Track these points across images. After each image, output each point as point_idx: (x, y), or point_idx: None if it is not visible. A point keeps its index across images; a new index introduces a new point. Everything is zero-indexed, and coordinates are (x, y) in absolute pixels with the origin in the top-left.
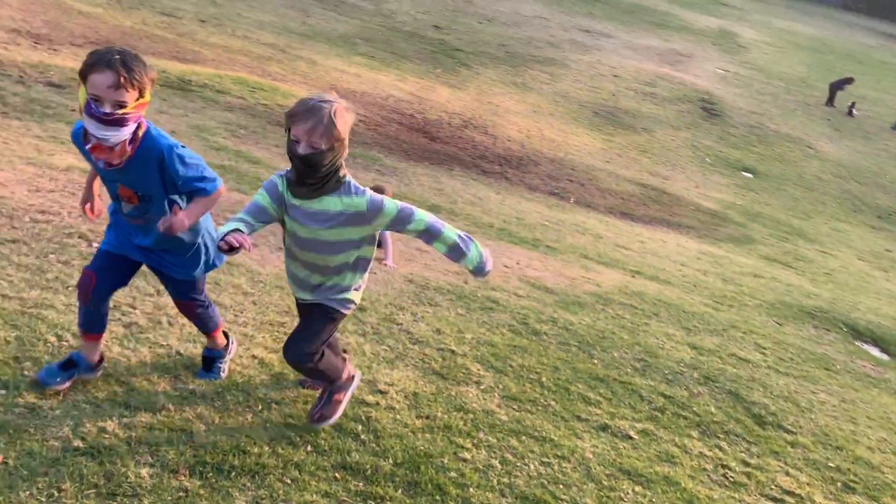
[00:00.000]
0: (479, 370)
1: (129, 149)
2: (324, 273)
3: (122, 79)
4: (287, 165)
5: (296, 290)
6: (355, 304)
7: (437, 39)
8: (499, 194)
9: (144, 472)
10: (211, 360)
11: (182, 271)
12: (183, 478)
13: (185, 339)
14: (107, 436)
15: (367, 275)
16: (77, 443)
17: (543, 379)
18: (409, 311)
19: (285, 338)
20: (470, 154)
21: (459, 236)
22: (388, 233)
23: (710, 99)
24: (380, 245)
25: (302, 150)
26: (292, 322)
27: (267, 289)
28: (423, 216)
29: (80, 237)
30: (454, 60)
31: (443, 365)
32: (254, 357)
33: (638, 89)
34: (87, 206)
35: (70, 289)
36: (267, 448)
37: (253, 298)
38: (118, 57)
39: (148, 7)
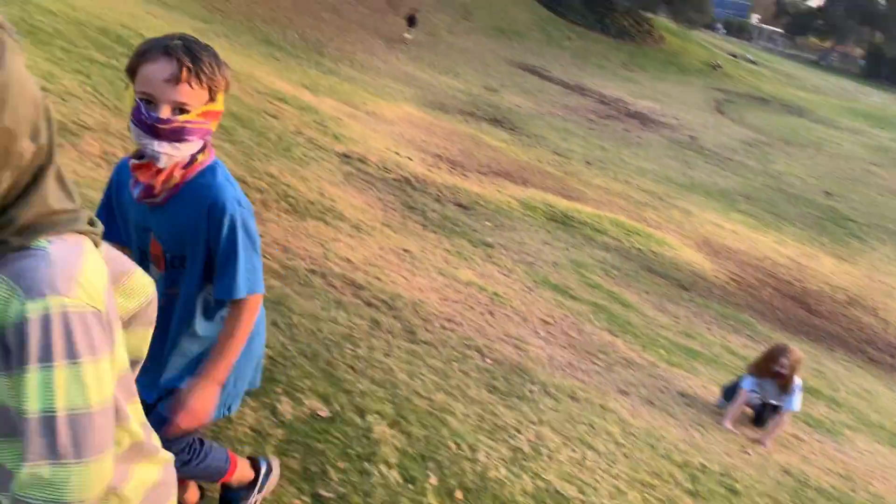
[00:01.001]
0: None
1: (177, 175)
2: None
3: (184, 70)
4: None
5: None
6: None
7: (826, 206)
8: (891, 391)
9: None
10: (228, 500)
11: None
12: None
13: (562, 477)
14: None
15: None
16: None
17: None
18: None
19: (656, 502)
20: (855, 337)
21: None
22: (792, 409)
23: None
24: (763, 423)
25: None
26: (663, 486)
27: (639, 444)
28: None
29: (476, 350)
30: (844, 230)
31: None
32: None
33: None
34: None
35: (468, 399)
36: None
37: (625, 450)
38: (179, 42)
39: (543, 146)
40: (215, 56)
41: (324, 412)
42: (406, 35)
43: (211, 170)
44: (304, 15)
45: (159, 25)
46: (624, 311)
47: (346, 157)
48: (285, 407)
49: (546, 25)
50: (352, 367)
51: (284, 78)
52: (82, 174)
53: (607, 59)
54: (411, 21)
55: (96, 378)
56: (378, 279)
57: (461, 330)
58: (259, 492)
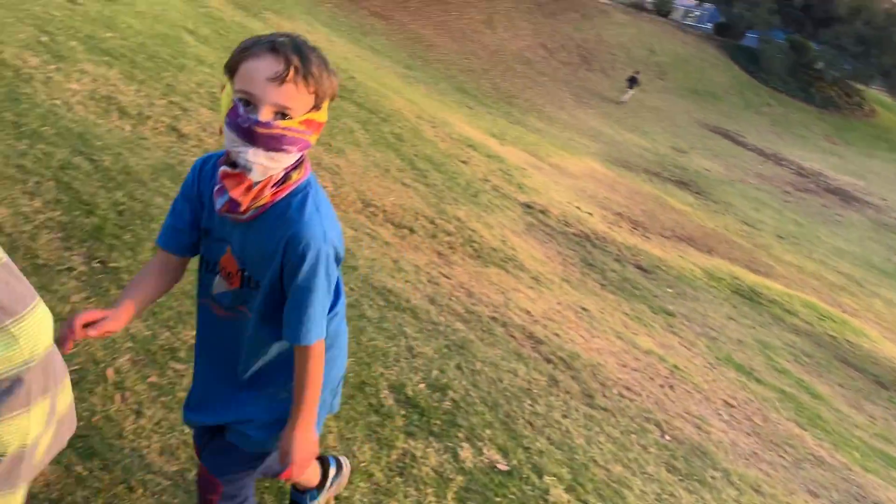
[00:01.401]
0: None
1: (268, 194)
2: None
3: (291, 68)
4: None
5: None
6: None
7: None
8: None
9: None
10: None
11: (259, 433)
12: None
13: None
14: None
15: None
16: None
17: None
18: None
19: None
20: None
21: None
22: None
23: None
24: None
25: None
26: None
27: None
28: None
29: (655, 424)
30: None
31: None
32: None
33: None
34: (81, 323)
35: (646, 476)
36: None
37: None
38: (287, 39)
39: (732, 214)
40: (325, 60)
41: (503, 465)
42: (623, 97)
43: (302, 193)
44: (499, 66)
45: (367, 68)
46: (814, 402)
47: (528, 208)
48: (466, 453)
49: (744, 90)
50: (530, 424)
51: (475, 125)
52: None
53: (809, 129)
54: (632, 82)
55: None
56: (556, 335)
57: (640, 401)
58: (328, 490)
